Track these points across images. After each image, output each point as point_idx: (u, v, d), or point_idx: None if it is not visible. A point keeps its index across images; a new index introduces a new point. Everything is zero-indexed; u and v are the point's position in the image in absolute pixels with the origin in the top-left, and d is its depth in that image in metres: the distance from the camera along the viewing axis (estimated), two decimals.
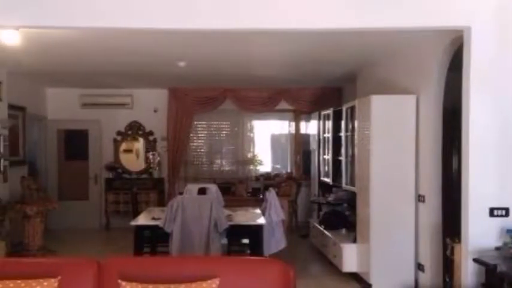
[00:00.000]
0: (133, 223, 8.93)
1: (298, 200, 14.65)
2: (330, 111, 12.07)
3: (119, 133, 15.32)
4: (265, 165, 16.01)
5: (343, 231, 10.55)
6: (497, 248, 6.10)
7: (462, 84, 6.36)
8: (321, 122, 12.93)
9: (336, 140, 11.45)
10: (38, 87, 14.45)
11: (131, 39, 8.63)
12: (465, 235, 6.32)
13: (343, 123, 10.68)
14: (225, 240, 9.05)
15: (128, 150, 15.48)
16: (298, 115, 15.66)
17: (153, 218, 9.03)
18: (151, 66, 11.29)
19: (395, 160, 8.75)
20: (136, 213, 10.23)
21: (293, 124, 15.84)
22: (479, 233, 6.21)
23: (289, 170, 15.86)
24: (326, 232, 10.78)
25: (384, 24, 6.23)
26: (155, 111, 15.21)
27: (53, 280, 4.42)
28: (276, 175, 15.57)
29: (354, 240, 9.61)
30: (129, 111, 15.19)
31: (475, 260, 5.99)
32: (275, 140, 16.41)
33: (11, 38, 7.90)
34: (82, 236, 13.88)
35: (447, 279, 7.54)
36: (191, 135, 15.45)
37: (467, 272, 6.24)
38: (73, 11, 5.87)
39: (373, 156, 8.73)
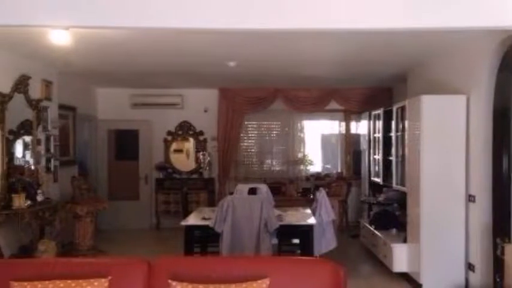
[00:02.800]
0: (183, 223, 8.99)
1: (348, 200, 14.58)
2: (380, 111, 12.05)
3: (169, 133, 15.44)
4: (316, 165, 15.98)
5: (394, 231, 10.49)
6: None
7: None
8: (371, 122, 12.91)
9: (386, 140, 11.44)
10: (88, 87, 14.60)
11: (182, 39, 8.69)
12: None
13: (393, 123, 10.67)
14: (275, 240, 9.05)
15: (178, 150, 15.58)
16: (348, 115, 15.60)
17: (204, 218, 9.09)
18: (202, 66, 11.33)
19: (446, 160, 8.69)
20: (186, 213, 10.27)
21: (343, 124, 15.77)
22: None
23: (339, 170, 15.82)
24: (376, 232, 10.77)
25: (437, 24, 6.15)
26: (205, 111, 15.27)
27: (103, 280, 4.46)
28: (326, 175, 15.54)
29: (404, 240, 9.58)
30: (179, 111, 15.26)
31: None
32: (325, 140, 16.34)
33: (61, 38, 7.98)
34: (132, 236, 14.03)
35: (498, 279, 7.47)
36: (241, 135, 15.50)
37: None
38: (123, 11, 5.87)
39: (423, 156, 8.69)
